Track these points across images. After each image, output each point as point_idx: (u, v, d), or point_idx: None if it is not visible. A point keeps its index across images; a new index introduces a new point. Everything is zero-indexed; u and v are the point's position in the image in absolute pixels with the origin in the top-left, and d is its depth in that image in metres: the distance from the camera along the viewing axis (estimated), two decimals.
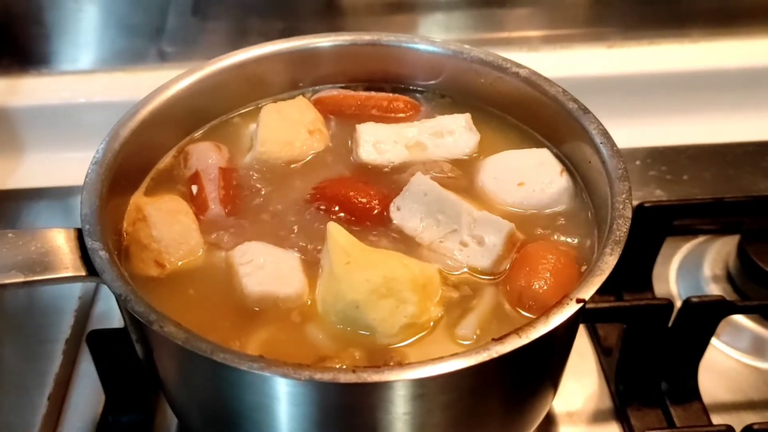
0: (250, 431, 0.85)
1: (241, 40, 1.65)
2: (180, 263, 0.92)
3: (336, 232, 0.89)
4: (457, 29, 1.65)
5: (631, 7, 1.61)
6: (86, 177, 0.89)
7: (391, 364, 0.81)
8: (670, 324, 1.07)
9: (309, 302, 0.89)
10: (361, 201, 0.96)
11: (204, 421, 0.92)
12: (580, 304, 0.77)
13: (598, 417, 1.11)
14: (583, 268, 0.91)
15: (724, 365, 1.17)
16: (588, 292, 0.78)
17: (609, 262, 0.81)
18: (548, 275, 0.87)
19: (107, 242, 0.83)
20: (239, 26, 1.64)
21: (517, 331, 0.75)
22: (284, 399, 0.77)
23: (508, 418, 0.91)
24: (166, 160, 1.05)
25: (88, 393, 1.14)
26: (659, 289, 1.25)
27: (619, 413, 1.11)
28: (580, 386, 1.14)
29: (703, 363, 1.11)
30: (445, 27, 1.65)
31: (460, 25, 1.65)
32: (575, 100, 1.01)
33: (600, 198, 0.95)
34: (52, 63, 1.57)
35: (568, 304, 0.77)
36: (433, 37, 1.10)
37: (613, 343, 1.17)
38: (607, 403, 1.12)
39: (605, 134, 0.95)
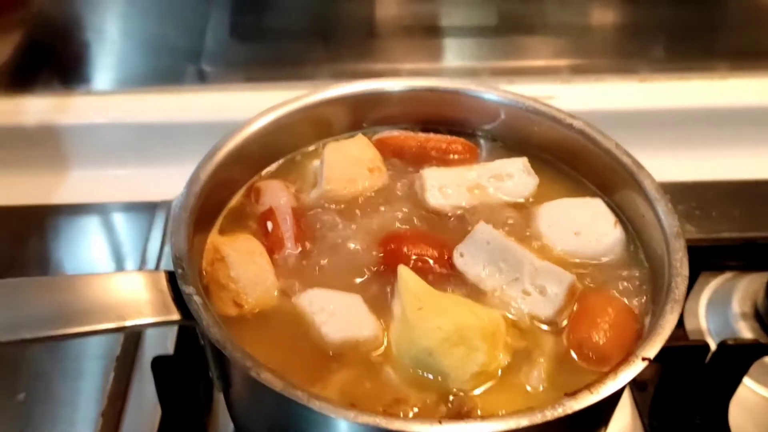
0: None
1: (278, 60, 1.69)
2: (256, 303, 0.94)
3: (407, 275, 0.93)
4: (488, 58, 1.68)
5: (662, 41, 1.65)
6: (173, 221, 0.92)
7: (464, 410, 0.85)
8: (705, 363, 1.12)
9: (385, 343, 0.92)
10: (430, 254, 0.99)
11: None
12: (646, 362, 0.82)
13: None
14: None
15: (751, 401, 1.21)
16: (652, 350, 0.83)
17: (670, 320, 0.86)
18: (608, 327, 0.91)
19: (198, 286, 0.86)
20: (276, 47, 1.68)
21: (588, 387, 0.80)
22: None
23: None
24: (236, 198, 1.08)
25: (142, 411, 1.16)
26: (689, 325, 1.30)
27: None
28: (615, 419, 1.17)
29: (733, 399, 1.16)
30: (476, 55, 1.69)
31: (490, 54, 1.68)
32: (628, 154, 1.04)
33: (653, 250, 1.00)
34: (96, 82, 1.62)
35: (634, 362, 0.82)
36: (495, 85, 1.13)
37: (648, 378, 1.21)
38: None
39: (659, 190, 1.00)
